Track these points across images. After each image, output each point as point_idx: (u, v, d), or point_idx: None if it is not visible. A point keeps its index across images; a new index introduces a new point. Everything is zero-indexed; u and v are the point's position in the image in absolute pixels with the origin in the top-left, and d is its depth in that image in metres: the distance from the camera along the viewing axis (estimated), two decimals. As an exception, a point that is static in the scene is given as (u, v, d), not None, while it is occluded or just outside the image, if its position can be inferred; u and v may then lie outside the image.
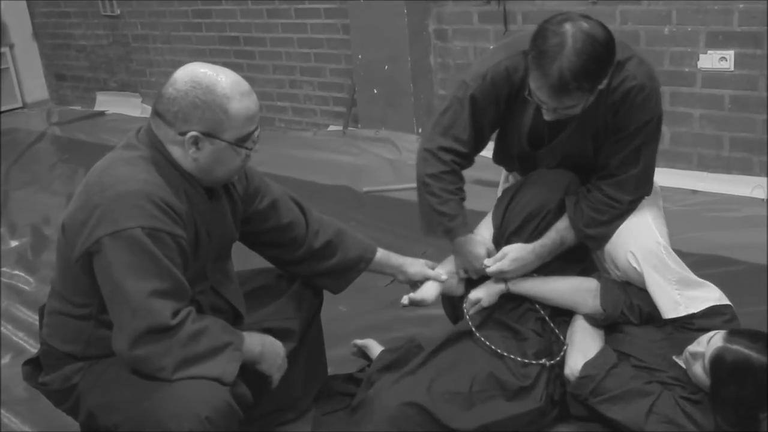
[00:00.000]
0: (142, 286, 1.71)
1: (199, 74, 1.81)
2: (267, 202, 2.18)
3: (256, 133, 1.88)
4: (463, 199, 2.38)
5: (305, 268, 2.30)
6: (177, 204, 1.81)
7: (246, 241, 2.26)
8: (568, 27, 1.98)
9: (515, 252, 2.32)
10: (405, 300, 2.41)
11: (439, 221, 2.36)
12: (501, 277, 2.34)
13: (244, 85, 1.84)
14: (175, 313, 1.74)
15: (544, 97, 2.05)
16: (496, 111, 2.29)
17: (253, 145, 1.88)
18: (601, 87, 2.07)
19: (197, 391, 1.73)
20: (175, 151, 1.84)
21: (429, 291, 2.41)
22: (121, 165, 1.83)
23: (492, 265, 2.32)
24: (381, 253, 2.39)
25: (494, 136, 2.46)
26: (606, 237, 2.33)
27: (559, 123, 2.20)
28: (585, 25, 1.99)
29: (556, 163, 2.37)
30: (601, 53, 2.00)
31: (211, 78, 1.80)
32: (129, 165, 1.82)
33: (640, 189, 2.32)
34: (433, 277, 2.40)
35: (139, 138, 1.89)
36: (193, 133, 1.80)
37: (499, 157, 2.56)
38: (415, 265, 2.41)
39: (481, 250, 2.35)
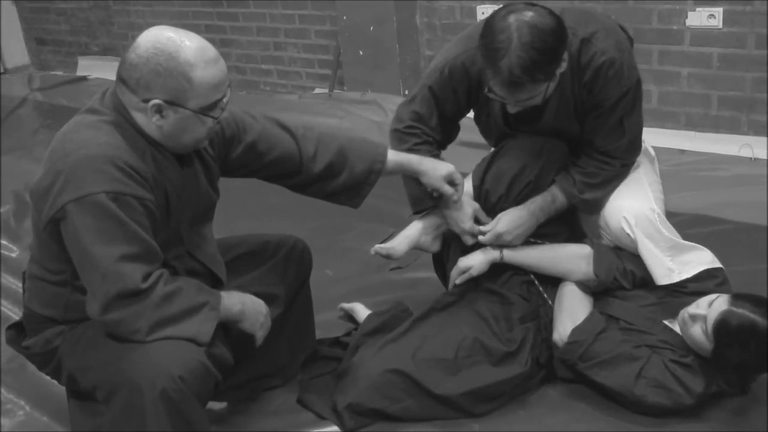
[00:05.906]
0: (110, 251, 1.69)
1: (162, 39, 1.75)
2: (243, 147, 2.09)
3: (224, 100, 1.82)
4: (429, 143, 2.36)
5: (314, 190, 2.24)
6: (142, 167, 1.77)
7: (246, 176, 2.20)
8: (512, 20, 1.95)
9: (508, 214, 2.30)
10: (374, 250, 2.37)
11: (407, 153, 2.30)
12: (499, 242, 2.30)
13: (210, 51, 1.77)
14: (146, 277, 1.72)
15: (500, 93, 2.05)
16: (455, 102, 2.31)
17: (221, 113, 1.83)
18: (560, 70, 2.05)
19: (170, 352, 1.72)
20: (139, 118, 1.80)
21: (398, 245, 2.36)
22: (83, 129, 1.78)
23: (487, 234, 2.29)
24: (393, 160, 2.26)
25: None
26: (601, 201, 2.31)
27: (536, 107, 2.17)
28: (529, 14, 1.96)
29: None
30: (549, 42, 1.96)
31: (175, 44, 1.74)
32: (91, 129, 1.78)
33: (630, 154, 2.31)
34: (446, 194, 2.25)
35: (104, 102, 1.85)
36: (155, 101, 1.75)
37: (484, 135, 2.54)
38: (429, 176, 2.24)
39: (467, 210, 2.30)
